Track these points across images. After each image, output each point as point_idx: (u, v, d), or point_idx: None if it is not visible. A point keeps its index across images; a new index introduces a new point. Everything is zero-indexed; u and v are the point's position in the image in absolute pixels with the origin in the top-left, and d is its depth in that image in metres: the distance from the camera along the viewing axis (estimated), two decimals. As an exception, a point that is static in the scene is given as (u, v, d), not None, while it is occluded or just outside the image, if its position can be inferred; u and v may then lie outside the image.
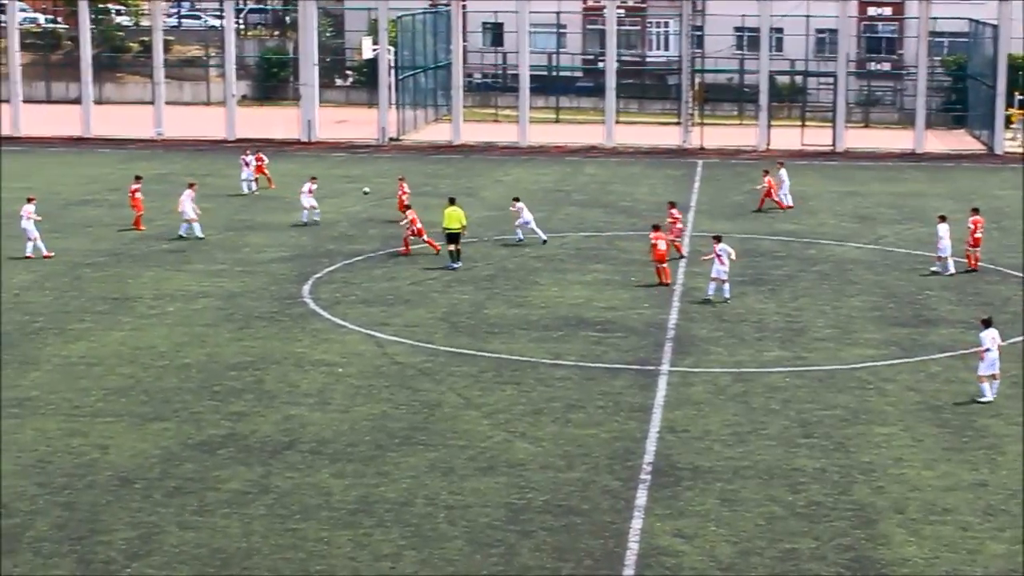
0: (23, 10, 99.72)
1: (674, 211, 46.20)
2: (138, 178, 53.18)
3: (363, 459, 26.99)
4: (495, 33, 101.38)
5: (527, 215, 48.42)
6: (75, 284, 41.83)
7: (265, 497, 24.96)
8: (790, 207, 56.30)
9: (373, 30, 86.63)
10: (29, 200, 46.71)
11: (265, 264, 44.67)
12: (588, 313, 38.89)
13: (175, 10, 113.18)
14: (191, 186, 50.28)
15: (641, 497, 25.18)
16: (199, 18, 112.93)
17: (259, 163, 60.81)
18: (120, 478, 25.83)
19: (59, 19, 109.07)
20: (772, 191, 56.17)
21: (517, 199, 49.77)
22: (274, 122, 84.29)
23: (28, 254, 45.20)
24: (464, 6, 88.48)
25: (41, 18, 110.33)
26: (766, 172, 57.25)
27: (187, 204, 48.61)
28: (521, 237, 48.71)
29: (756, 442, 28.17)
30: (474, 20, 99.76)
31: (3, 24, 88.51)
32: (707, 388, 31.97)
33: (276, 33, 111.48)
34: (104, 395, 30.93)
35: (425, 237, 45.85)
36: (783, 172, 57.88)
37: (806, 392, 31.69)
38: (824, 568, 22.31)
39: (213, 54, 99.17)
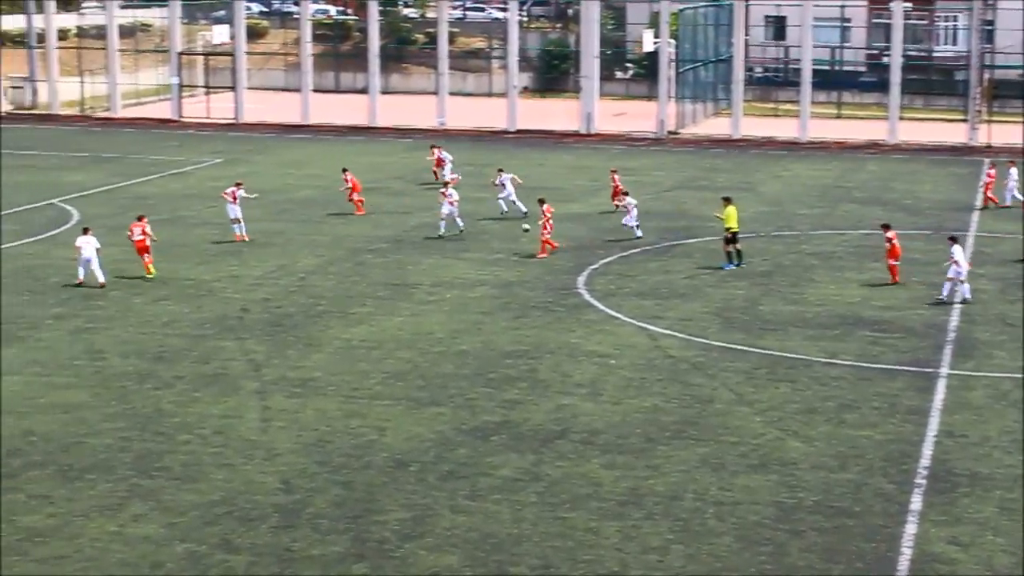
0: (315, 2, 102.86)
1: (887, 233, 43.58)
2: (500, 170, 54.21)
3: (633, 451, 27.03)
4: (777, 27, 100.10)
5: (510, 187, 50.70)
6: (357, 269, 42.95)
7: (536, 485, 25.21)
8: (1006, 206, 54.64)
9: (654, 23, 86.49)
10: (238, 185, 48.18)
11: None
12: (865, 312, 38.13)
13: (460, 2, 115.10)
14: (446, 185, 50.76)
15: (916, 502, 24.57)
16: (483, 10, 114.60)
17: (437, 157, 60.62)
18: (396, 460, 26.44)
19: (349, 11, 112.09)
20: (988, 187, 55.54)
21: (501, 170, 52.03)
22: (554, 114, 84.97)
23: (238, 235, 46.98)
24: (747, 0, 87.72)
25: (332, 10, 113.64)
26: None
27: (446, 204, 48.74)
28: (505, 209, 51.30)
29: (1039, 451, 27.22)
30: (756, 14, 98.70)
31: (296, 16, 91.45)
32: (988, 393, 30.99)
33: (558, 26, 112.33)
34: (383, 378, 31.69)
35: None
36: (1013, 171, 56.20)
37: (1094, 401, 30.46)
38: (1109, 585, 21.44)
39: (496, 46, 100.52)
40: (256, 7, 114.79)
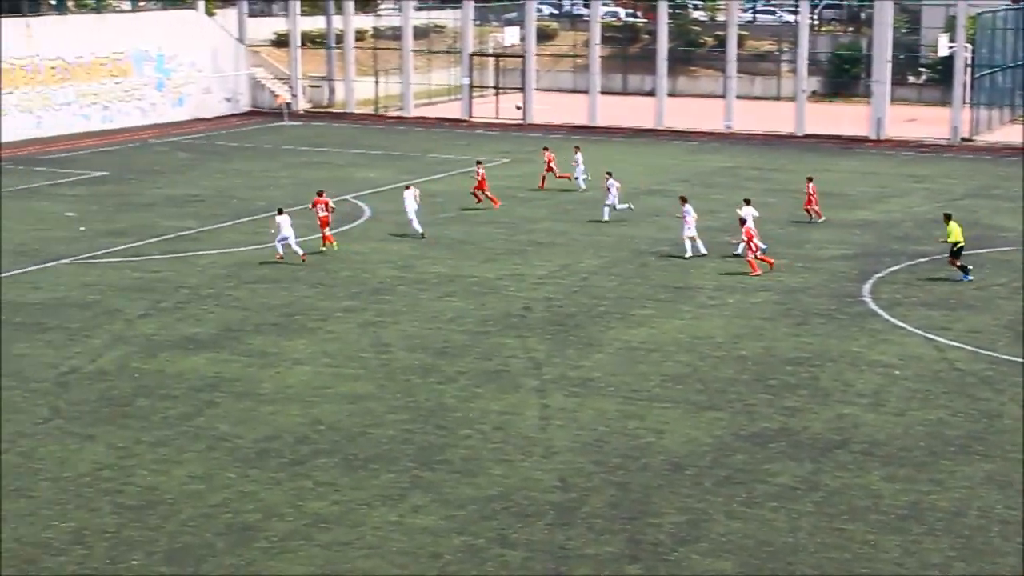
0: (605, 4, 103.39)
1: None
2: (478, 162, 56.16)
3: (916, 464, 26.40)
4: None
5: (411, 206, 47.89)
6: (640, 271, 43.03)
7: (814, 494, 24.87)
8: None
9: (950, 27, 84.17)
10: (407, 187, 48.93)
11: (826, 261, 44.38)
12: None
13: (750, 5, 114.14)
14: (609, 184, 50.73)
15: None
16: (774, 13, 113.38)
17: (548, 161, 59.67)
18: (672, 463, 26.42)
19: (638, 13, 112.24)
20: None
21: (407, 186, 49.72)
22: (843, 119, 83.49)
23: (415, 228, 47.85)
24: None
25: (622, 12, 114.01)
26: None
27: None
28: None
29: None
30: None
31: (586, 18, 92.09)
32: None
33: (850, 29, 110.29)
34: (661, 381, 31.69)
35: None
36: (579, 156, 57.41)
37: None
38: None
39: (785, 49, 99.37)
40: (547, 9, 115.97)
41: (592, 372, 32.29)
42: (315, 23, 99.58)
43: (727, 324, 36.76)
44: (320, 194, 46.27)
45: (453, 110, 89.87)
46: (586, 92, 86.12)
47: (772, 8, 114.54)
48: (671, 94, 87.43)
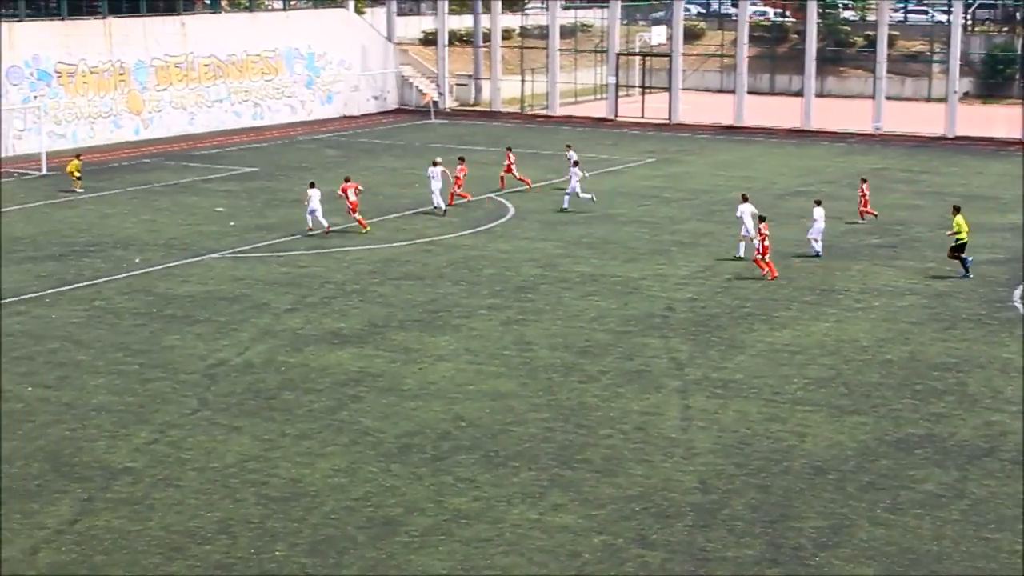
0: (753, 4, 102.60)
1: None
2: (460, 158, 55.96)
3: (1066, 474, 25.86)
4: None
5: (315, 203, 48.24)
6: (784, 273, 42.62)
7: (959, 502, 24.45)
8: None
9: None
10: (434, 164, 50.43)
11: (976, 265, 43.56)
12: None
13: (902, 5, 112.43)
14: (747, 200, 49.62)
15: None
16: (926, 13, 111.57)
17: (509, 162, 58.73)
18: (814, 467, 26.16)
19: (787, 13, 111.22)
20: None
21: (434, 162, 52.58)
22: (995, 121, 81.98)
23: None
24: None
25: (770, 12, 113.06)
26: None
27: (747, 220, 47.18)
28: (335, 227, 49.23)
29: None
30: None
31: (734, 18, 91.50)
32: None
33: (1004, 29, 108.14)
34: (805, 384, 31.39)
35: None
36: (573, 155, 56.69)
37: None
38: None
39: (937, 49, 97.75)
40: (694, 8, 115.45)
41: (735, 374, 32.09)
42: (463, 22, 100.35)
43: (873, 327, 36.29)
44: (347, 180, 49.43)
45: (598, 109, 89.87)
46: (733, 92, 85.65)
47: (924, 8, 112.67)
48: (819, 95, 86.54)
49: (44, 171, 63.11)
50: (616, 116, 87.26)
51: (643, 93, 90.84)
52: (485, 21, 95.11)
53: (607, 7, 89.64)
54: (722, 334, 35.59)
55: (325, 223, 48.21)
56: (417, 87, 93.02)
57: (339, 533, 22.95)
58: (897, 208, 48.18)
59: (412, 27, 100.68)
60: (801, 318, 37.26)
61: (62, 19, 73.02)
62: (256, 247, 46.42)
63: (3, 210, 53.42)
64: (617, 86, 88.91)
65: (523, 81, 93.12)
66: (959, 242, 42.22)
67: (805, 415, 29.18)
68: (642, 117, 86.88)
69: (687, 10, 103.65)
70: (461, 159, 55.70)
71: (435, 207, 52.17)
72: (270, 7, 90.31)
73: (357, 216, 48.76)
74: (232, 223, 50.71)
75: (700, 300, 39.21)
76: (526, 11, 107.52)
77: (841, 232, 49.18)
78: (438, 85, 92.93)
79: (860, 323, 36.79)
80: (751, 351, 34.07)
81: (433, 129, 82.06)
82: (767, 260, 41.91)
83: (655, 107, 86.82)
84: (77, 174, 58.01)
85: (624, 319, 37.07)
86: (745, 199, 45.28)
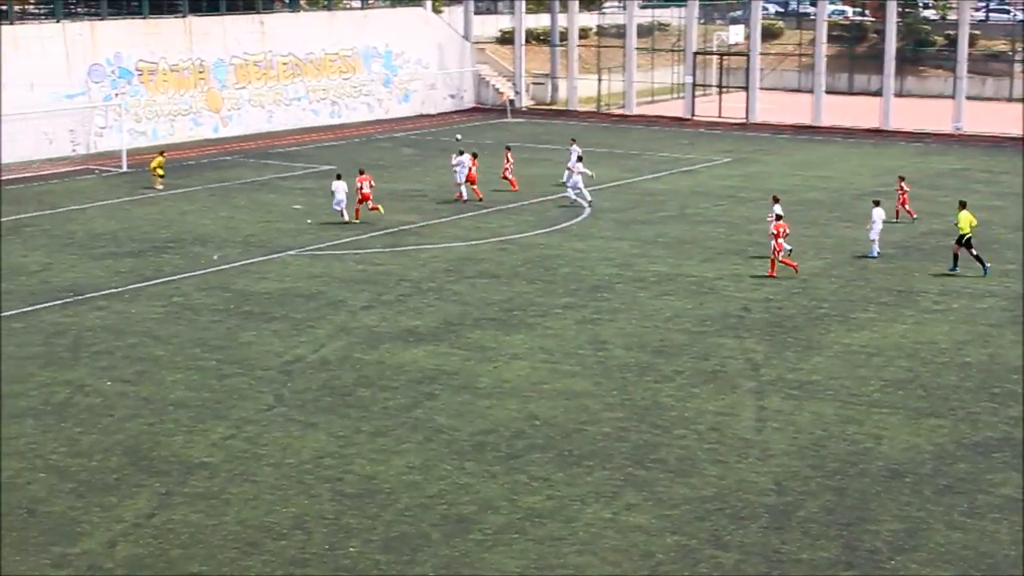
0: (832, 3, 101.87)
1: None
2: (473, 154, 56.88)
3: None
4: None
5: (341, 195, 50.10)
6: (862, 274, 42.32)
7: (1038, 507, 24.22)
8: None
9: None
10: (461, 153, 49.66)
11: (1058, 267, 43.11)
12: None
13: (983, 4, 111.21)
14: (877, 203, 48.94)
15: None
16: (1008, 12, 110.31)
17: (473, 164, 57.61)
18: (891, 470, 25.94)
19: (867, 12, 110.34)
20: None
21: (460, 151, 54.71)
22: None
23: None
24: None
25: (849, 11, 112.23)
26: None
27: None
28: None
29: None
30: None
31: (813, 17, 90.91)
32: None
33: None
34: (882, 386, 31.13)
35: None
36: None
37: None
38: None
39: (1019, 49, 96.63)
40: (772, 7, 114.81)
41: (811, 375, 31.89)
42: (539, 21, 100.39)
43: (951, 330, 35.93)
44: (362, 172, 51.59)
45: (675, 109, 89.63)
46: (811, 92, 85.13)
47: (1006, 7, 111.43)
48: (898, 94, 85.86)
49: (125, 168, 63.82)
50: (693, 115, 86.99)
51: (720, 92, 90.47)
52: (562, 20, 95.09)
53: (684, 6, 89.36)
54: (798, 335, 35.38)
55: (346, 215, 50.50)
56: (494, 86, 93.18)
57: (413, 530, 23.04)
58: (977, 209, 47.62)
59: (489, 26, 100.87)
60: (879, 319, 36.97)
61: (143, 18, 73.80)
62: (333, 244, 46.69)
63: (84, 206, 54.08)
64: (694, 85, 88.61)
65: (599, 80, 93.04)
66: (963, 237, 42.47)
67: (882, 417, 28.95)
68: (719, 116, 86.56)
69: (765, 9, 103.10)
70: (474, 155, 56.20)
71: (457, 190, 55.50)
72: (348, 6, 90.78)
73: (369, 204, 50.83)
74: (309, 220, 51.03)
75: (776, 300, 39.00)
76: (603, 10, 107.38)
77: (920, 233, 48.74)
78: (514, 84, 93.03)
79: (939, 325, 36.44)
80: (828, 352, 33.85)
81: (509, 128, 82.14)
82: (780, 259, 42.09)
83: (732, 106, 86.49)
84: (160, 171, 58.61)
85: (699, 319, 36.93)
86: (776, 200, 45.06)
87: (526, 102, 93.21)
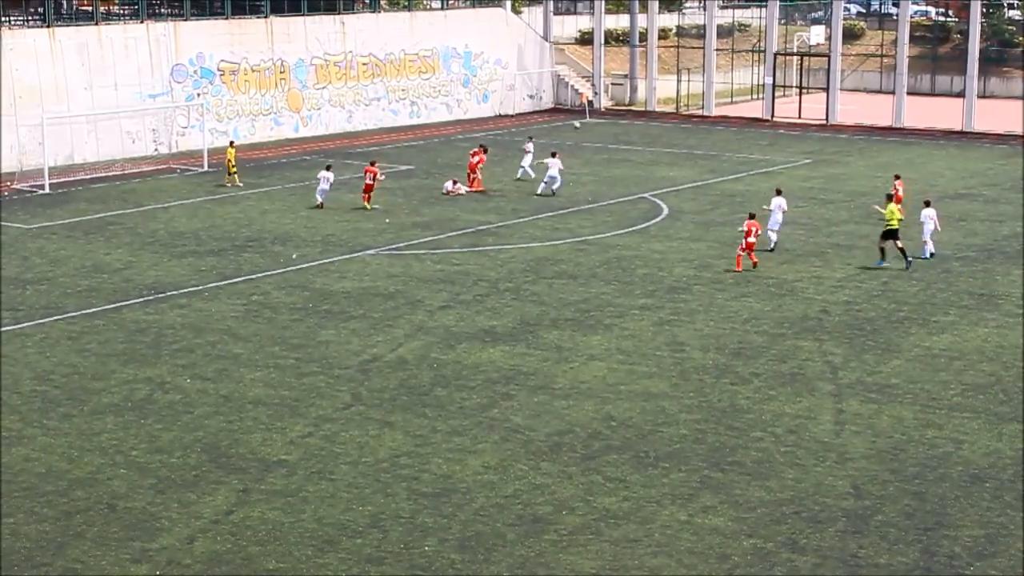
0: (915, 3, 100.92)
1: None
2: (482, 147, 60.21)
3: None
4: None
5: (325, 184, 52.92)
6: (943, 277, 41.91)
7: (1122, 514, 23.85)
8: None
9: None
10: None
11: None
12: None
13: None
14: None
15: None
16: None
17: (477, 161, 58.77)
18: (971, 475, 25.68)
19: (950, 12, 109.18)
20: None
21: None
22: None
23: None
24: None
25: (932, 11, 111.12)
26: None
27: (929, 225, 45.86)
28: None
29: None
30: None
31: (895, 17, 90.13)
32: None
33: None
34: (962, 390, 30.82)
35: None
36: (530, 145, 61.51)
37: None
38: None
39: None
40: (854, 8, 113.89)
41: (890, 378, 31.63)
42: (619, 21, 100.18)
43: (1035, 334, 35.53)
44: (372, 163, 54.54)
45: (755, 109, 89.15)
46: (892, 93, 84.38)
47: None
48: (982, 96, 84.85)
49: (206, 167, 64.39)
50: (772, 117, 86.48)
51: (800, 93, 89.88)
52: (642, 20, 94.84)
53: (765, 7, 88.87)
54: (878, 338, 35.09)
55: (320, 199, 54.05)
56: (573, 86, 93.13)
57: (488, 530, 23.09)
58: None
59: (568, 26, 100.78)
60: (960, 323, 36.59)
61: (226, 18, 74.43)
62: (411, 244, 46.87)
63: (166, 205, 54.64)
64: (774, 86, 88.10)
65: (679, 81, 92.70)
66: (888, 229, 43.01)
67: (962, 422, 28.66)
68: (799, 118, 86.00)
69: (847, 10, 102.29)
70: (483, 148, 56.89)
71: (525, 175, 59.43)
72: (428, 6, 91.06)
73: (369, 195, 53.63)
74: (387, 220, 51.24)
75: (856, 303, 38.70)
76: (683, 10, 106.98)
77: (1004, 236, 48.19)
78: (594, 84, 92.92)
79: (1021, 329, 35.99)
80: (907, 355, 33.55)
81: (589, 128, 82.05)
82: (749, 254, 42.78)
83: (812, 107, 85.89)
84: (233, 165, 59.02)
85: (778, 321, 36.73)
86: (779, 192, 46.14)
87: (605, 103, 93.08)
